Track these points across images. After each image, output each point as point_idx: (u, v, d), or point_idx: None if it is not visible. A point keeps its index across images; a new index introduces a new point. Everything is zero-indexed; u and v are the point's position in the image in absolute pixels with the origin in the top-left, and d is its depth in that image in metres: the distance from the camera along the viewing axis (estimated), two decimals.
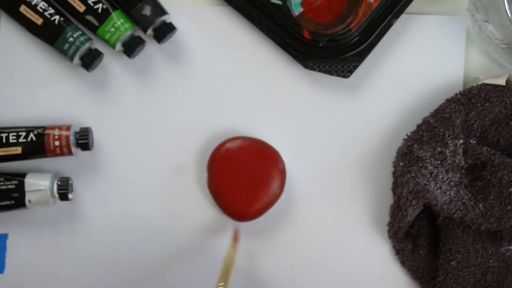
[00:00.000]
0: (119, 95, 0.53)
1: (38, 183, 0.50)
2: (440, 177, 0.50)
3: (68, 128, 0.50)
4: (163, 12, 0.51)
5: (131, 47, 0.51)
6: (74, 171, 0.53)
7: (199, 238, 0.53)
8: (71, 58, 0.50)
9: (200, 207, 0.53)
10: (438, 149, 0.50)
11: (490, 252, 0.51)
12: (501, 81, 0.50)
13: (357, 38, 0.52)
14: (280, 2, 0.52)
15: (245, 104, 0.54)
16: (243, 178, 0.50)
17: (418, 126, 0.51)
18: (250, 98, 0.54)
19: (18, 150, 0.49)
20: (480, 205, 0.50)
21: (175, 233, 0.53)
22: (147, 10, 0.51)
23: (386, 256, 0.54)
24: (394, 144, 0.53)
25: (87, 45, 0.51)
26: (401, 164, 0.51)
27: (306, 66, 0.52)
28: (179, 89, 0.54)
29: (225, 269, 0.45)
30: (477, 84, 0.51)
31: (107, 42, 0.51)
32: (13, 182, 0.49)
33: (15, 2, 0.50)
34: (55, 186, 0.50)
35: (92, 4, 0.50)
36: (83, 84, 0.53)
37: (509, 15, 0.48)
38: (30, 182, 0.50)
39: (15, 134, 0.49)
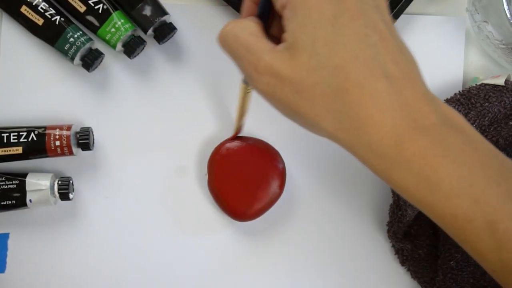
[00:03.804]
0: (119, 95, 0.54)
1: (39, 182, 0.50)
2: None
3: (68, 128, 0.50)
4: (163, 12, 0.52)
5: (132, 47, 0.51)
6: (75, 171, 0.53)
7: (199, 237, 0.53)
8: (72, 58, 0.51)
9: (200, 207, 0.53)
10: None
11: None
12: (500, 81, 0.50)
13: None
14: None
15: None
16: (243, 178, 0.50)
17: None
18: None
19: (19, 150, 0.50)
20: None
21: (175, 232, 0.53)
22: (147, 11, 0.51)
23: (386, 255, 0.54)
24: None
25: (87, 46, 0.51)
26: None
27: None
28: (180, 89, 0.54)
29: (239, 108, 0.47)
30: (476, 84, 0.51)
31: (107, 42, 0.51)
32: (14, 182, 0.50)
33: (16, 3, 0.51)
34: (56, 186, 0.50)
35: (92, 5, 0.50)
36: (84, 84, 0.53)
37: (508, 16, 0.48)
38: (31, 181, 0.50)
39: (16, 134, 0.50)
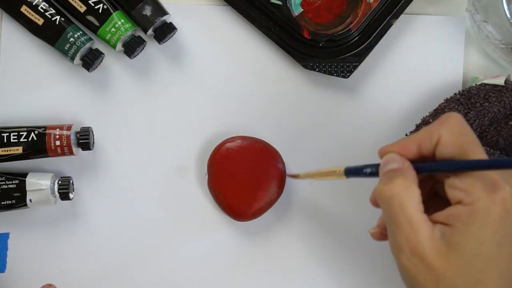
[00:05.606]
0: (119, 95, 0.54)
1: (39, 182, 0.50)
2: None
3: (69, 127, 0.50)
4: (163, 12, 0.52)
5: (132, 47, 0.51)
6: (75, 171, 0.53)
7: (199, 237, 0.53)
8: (72, 58, 0.51)
9: (200, 207, 0.53)
10: None
11: None
12: (500, 81, 0.50)
13: (356, 38, 0.53)
14: (280, 2, 0.52)
15: (245, 104, 0.54)
16: (243, 178, 0.50)
17: (418, 126, 0.52)
18: (250, 98, 0.54)
19: (19, 149, 0.50)
20: None
21: (175, 232, 0.53)
22: (147, 11, 0.51)
23: (386, 255, 0.54)
24: None
25: (88, 45, 0.51)
26: None
27: (306, 66, 0.52)
28: (180, 89, 0.54)
29: (317, 172, 0.47)
30: (476, 84, 0.51)
31: (107, 42, 0.51)
32: (14, 182, 0.50)
33: (16, 3, 0.51)
34: (56, 186, 0.50)
35: (93, 5, 0.51)
36: (84, 84, 0.53)
37: (508, 16, 0.48)
38: (31, 181, 0.50)
39: (16, 133, 0.50)
